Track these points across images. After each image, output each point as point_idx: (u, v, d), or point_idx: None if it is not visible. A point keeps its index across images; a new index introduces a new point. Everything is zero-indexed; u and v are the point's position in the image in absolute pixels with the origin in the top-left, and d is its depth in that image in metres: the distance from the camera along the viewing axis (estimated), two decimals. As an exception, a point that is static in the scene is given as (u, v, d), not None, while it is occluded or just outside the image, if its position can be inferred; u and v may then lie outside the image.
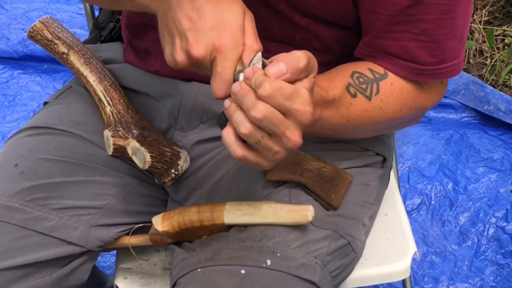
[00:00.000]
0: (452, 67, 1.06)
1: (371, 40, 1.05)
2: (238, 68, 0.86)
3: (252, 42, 0.88)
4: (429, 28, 1.01)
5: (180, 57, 0.88)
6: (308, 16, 1.06)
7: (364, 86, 1.03)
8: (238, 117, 0.83)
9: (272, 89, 0.81)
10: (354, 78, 1.03)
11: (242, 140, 0.85)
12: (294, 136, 0.84)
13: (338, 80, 1.02)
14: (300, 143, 0.85)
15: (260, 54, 0.86)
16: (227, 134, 0.85)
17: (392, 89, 1.05)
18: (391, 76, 1.05)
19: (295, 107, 0.82)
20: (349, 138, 1.13)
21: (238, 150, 0.85)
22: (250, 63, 0.86)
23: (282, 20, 1.07)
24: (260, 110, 0.81)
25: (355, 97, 1.02)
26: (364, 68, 1.05)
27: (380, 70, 1.05)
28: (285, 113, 0.83)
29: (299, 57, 0.83)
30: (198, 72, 0.92)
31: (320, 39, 1.09)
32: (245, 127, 0.83)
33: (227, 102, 0.85)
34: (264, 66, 0.85)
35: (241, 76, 0.85)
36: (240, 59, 0.87)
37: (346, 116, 1.02)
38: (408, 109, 1.08)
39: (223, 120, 0.87)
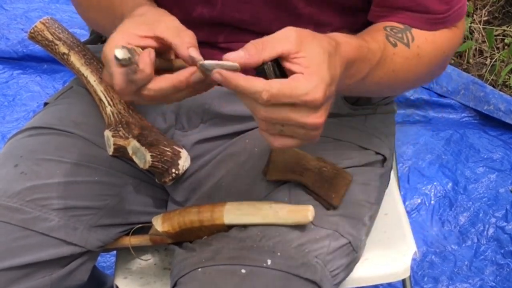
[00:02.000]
0: (458, 11, 1.07)
1: (382, 1, 1.06)
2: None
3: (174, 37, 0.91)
4: None
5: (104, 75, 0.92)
6: (313, 3, 1.06)
7: (399, 35, 1.04)
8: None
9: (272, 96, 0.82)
10: (388, 29, 1.04)
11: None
12: (311, 119, 0.85)
13: (376, 35, 1.02)
14: (321, 123, 0.86)
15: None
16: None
17: (426, 35, 1.06)
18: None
19: (302, 99, 0.83)
20: (387, 93, 1.14)
21: (274, 142, 0.87)
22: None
23: (283, 15, 1.07)
24: (263, 114, 0.83)
25: (396, 46, 1.03)
26: (390, 23, 1.06)
27: (401, 25, 1.06)
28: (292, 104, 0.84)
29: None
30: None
31: (320, 27, 1.09)
32: (260, 126, 0.85)
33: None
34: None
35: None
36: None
37: (391, 67, 1.02)
38: (442, 54, 1.09)
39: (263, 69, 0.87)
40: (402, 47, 1.03)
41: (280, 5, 1.06)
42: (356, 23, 1.10)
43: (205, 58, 0.89)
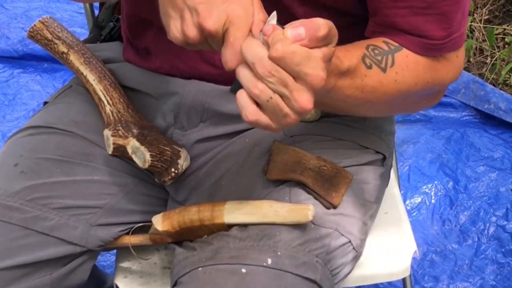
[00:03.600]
0: (456, 39, 1.05)
1: (380, 19, 1.04)
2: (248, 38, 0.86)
3: (258, 12, 0.87)
4: (435, 0, 1.00)
5: (192, 31, 0.86)
6: (307, 3, 1.06)
7: (379, 57, 1.01)
8: (247, 74, 0.83)
9: (283, 52, 0.80)
10: (370, 50, 1.01)
11: (256, 102, 0.84)
12: (303, 99, 0.82)
13: (353, 51, 1.00)
14: (309, 108, 0.83)
15: (275, 12, 0.86)
16: (241, 96, 0.83)
17: (408, 61, 1.03)
18: (406, 49, 1.04)
19: (306, 71, 0.81)
20: (361, 113, 1.11)
21: (252, 112, 0.83)
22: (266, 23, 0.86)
23: (281, 13, 1.06)
24: (266, 66, 0.81)
25: (370, 68, 1.00)
26: (379, 41, 1.03)
27: (395, 43, 1.04)
28: (295, 76, 0.82)
29: (320, 25, 0.82)
30: (203, 48, 0.90)
31: None
32: (255, 85, 0.82)
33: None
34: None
35: None
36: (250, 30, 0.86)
37: (361, 88, 1.00)
38: (424, 83, 1.05)
39: (236, 86, 0.86)
40: (377, 71, 1.01)
41: (273, 4, 1.05)
42: (352, 23, 1.09)
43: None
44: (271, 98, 0.82)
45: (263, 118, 0.84)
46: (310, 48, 0.82)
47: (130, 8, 1.21)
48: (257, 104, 0.84)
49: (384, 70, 1.01)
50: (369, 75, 1.00)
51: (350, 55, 0.98)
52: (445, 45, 1.04)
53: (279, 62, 0.81)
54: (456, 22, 1.03)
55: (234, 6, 0.86)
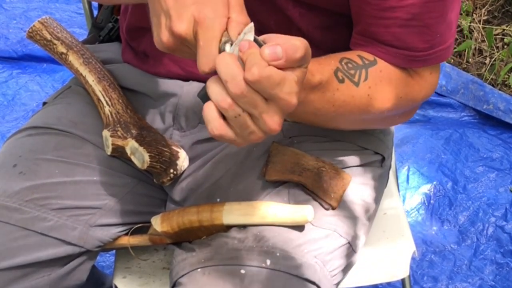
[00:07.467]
0: (440, 52, 1.04)
1: (362, 29, 1.04)
2: (224, 39, 0.83)
3: (238, 15, 0.84)
4: (420, 12, 0.99)
5: (165, 36, 0.85)
6: (301, 5, 1.05)
7: (352, 71, 1.01)
8: (218, 89, 0.80)
9: (259, 76, 0.78)
10: (343, 63, 1.01)
11: (223, 116, 0.82)
12: (272, 121, 0.81)
13: (326, 64, 0.99)
14: (277, 130, 0.82)
15: (252, 24, 0.83)
16: (209, 109, 0.81)
17: (381, 76, 1.03)
18: (381, 63, 1.03)
19: (280, 96, 0.79)
20: (333, 126, 1.10)
21: (218, 127, 0.81)
22: (240, 33, 0.83)
23: (276, 14, 1.06)
24: (239, 86, 0.78)
25: (343, 82, 1.00)
26: (354, 55, 1.03)
27: (370, 57, 1.03)
28: (268, 98, 0.80)
29: (298, 47, 0.80)
30: (184, 55, 0.88)
31: (311, 29, 1.08)
32: (225, 101, 0.80)
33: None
34: (255, 41, 0.82)
35: (227, 47, 0.82)
36: (225, 31, 0.83)
37: (332, 101, 0.99)
38: (398, 99, 1.05)
39: (204, 94, 0.84)
40: (349, 85, 1.00)
41: (268, 5, 1.05)
42: (346, 23, 1.09)
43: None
44: (239, 115, 0.81)
45: (229, 134, 0.82)
46: (285, 68, 0.80)
47: (130, 14, 1.21)
48: (224, 117, 0.82)
49: (357, 84, 1.01)
50: (341, 89, 0.99)
51: (322, 68, 0.97)
52: (429, 57, 1.04)
53: (253, 85, 0.79)
54: (439, 34, 1.02)
55: (202, 6, 0.83)
